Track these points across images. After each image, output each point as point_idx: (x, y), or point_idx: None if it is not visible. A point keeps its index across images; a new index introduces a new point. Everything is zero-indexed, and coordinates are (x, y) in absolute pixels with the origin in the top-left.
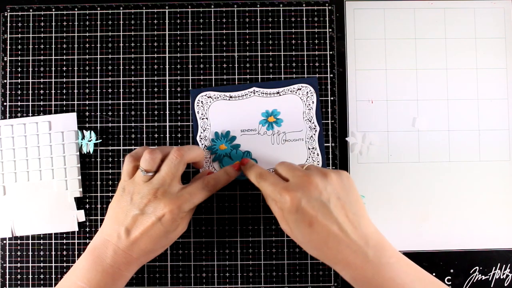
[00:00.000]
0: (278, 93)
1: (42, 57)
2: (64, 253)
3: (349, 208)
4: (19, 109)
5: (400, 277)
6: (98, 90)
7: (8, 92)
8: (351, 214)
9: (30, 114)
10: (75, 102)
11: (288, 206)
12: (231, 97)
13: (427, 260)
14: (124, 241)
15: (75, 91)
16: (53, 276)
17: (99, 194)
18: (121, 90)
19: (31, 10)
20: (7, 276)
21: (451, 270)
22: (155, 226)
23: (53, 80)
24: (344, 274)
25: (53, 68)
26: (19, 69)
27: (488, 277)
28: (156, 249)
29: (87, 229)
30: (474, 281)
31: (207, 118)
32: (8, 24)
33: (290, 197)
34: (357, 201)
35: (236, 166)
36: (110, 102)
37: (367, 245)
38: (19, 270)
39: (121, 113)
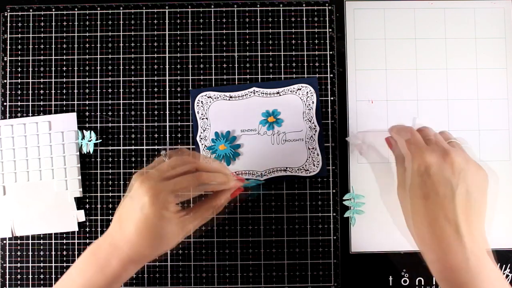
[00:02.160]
0: (278, 93)
1: (42, 57)
2: (64, 253)
3: (472, 206)
4: (19, 109)
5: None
6: (98, 90)
7: (8, 92)
8: (472, 214)
9: (30, 114)
10: (75, 102)
11: (421, 165)
12: (231, 97)
13: None
14: (115, 230)
15: (75, 91)
16: (53, 276)
17: (99, 194)
18: (121, 90)
19: (31, 10)
20: (7, 276)
21: None
22: (136, 211)
23: (53, 80)
24: (432, 262)
25: (53, 68)
26: (19, 69)
27: None
28: (146, 244)
29: (87, 229)
30: None
31: (207, 118)
32: (8, 24)
33: (428, 158)
34: (483, 205)
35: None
36: (110, 102)
37: (472, 252)
38: (19, 270)
39: (121, 113)
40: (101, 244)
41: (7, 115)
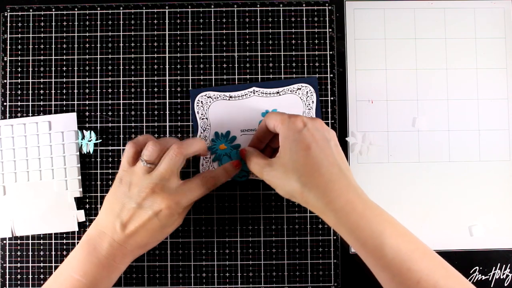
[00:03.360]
0: (278, 93)
1: (42, 57)
2: (64, 253)
3: (341, 154)
4: (19, 109)
5: (388, 215)
6: (98, 90)
7: (8, 92)
8: (343, 158)
9: (30, 114)
10: (75, 102)
11: (296, 125)
12: (231, 97)
13: None
14: (119, 234)
15: (75, 91)
16: None
17: (99, 194)
18: (121, 90)
19: (31, 10)
20: (7, 276)
21: None
22: (151, 221)
23: (53, 80)
24: (332, 208)
25: (53, 68)
26: (19, 69)
27: (488, 277)
28: (151, 242)
29: (87, 229)
30: (474, 281)
31: (207, 118)
32: (8, 24)
33: (300, 119)
34: (344, 156)
35: (235, 163)
36: (110, 102)
37: (356, 186)
38: (19, 270)
39: (121, 113)
40: (100, 244)
41: (7, 115)
